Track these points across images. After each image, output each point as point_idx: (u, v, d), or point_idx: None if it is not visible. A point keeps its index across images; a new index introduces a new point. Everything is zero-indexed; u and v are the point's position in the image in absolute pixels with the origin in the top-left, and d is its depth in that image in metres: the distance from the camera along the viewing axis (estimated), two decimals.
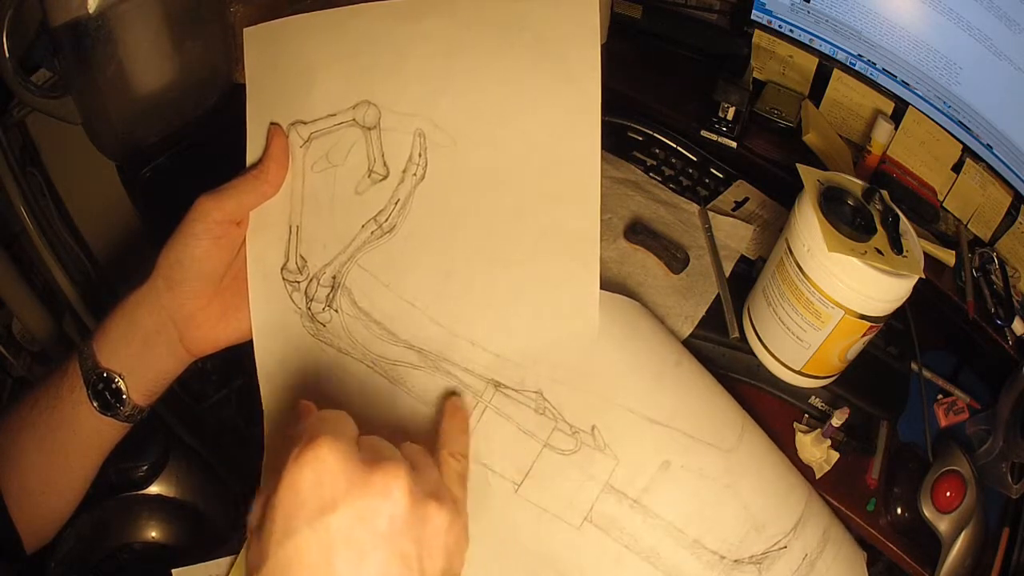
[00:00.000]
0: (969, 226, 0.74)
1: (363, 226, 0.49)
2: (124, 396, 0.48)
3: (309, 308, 0.49)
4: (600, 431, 0.47)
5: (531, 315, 0.48)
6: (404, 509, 0.33)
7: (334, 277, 0.49)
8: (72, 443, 0.49)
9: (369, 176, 0.49)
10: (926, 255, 0.57)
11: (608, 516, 0.46)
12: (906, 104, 0.75)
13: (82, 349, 0.48)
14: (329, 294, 0.49)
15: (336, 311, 0.49)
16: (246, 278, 0.50)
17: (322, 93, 0.49)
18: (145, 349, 0.48)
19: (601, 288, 0.48)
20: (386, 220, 0.48)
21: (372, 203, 0.49)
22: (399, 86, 0.48)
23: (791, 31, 0.82)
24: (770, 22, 0.83)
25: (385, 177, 0.49)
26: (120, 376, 0.47)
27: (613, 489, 0.46)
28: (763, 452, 0.52)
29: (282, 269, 0.50)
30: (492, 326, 0.48)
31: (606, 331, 0.48)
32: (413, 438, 0.41)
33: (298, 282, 0.49)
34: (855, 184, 0.58)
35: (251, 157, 0.50)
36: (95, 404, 0.47)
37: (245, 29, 0.50)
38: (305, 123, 0.49)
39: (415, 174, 0.48)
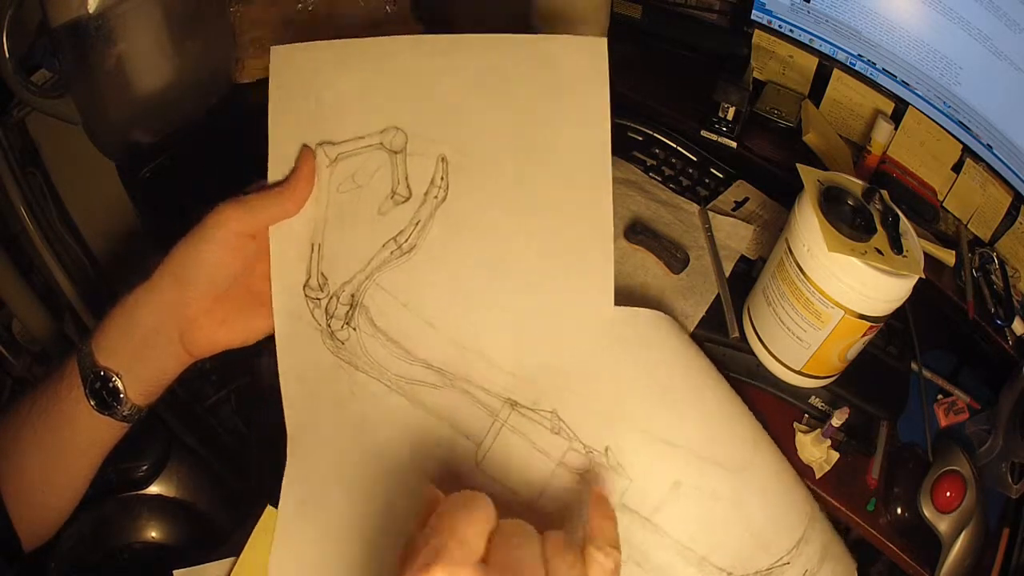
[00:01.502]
0: (969, 226, 0.74)
1: (383, 245, 0.50)
2: (122, 395, 0.48)
3: (329, 325, 0.50)
4: (613, 451, 0.47)
5: (547, 335, 0.49)
6: None
7: (352, 295, 0.50)
8: (71, 442, 0.48)
9: (392, 198, 0.50)
10: (926, 255, 0.57)
11: (620, 534, 0.47)
12: (906, 104, 0.75)
13: (81, 348, 0.48)
14: (348, 312, 0.50)
15: (354, 329, 0.50)
16: (252, 288, 0.51)
17: (352, 116, 0.51)
18: (144, 347, 0.48)
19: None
20: (406, 241, 0.50)
21: (393, 224, 0.50)
22: (426, 114, 0.50)
23: (791, 31, 0.82)
24: (770, 22, 0.83)
25: (407, 199, 0.50)
26: (117, 375, 0.47)
27: (625, 508, 0.47)
28: (773, 470, 0.52)
29: (304, 286, 0.50)
30: (509, 346, 0.49)
31: (623, 349, 0.49)
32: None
33: (319, 299, 0.50)
34: (855, 184, 0.58)
35: (273, 173, 0.51)
36: (92, 403, 0.47)
37: (272, 47, 0.52)
38: (333, 144, 0.51)
39: (436, 196, 0.50)
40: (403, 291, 0.49)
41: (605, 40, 0.49)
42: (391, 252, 0.50)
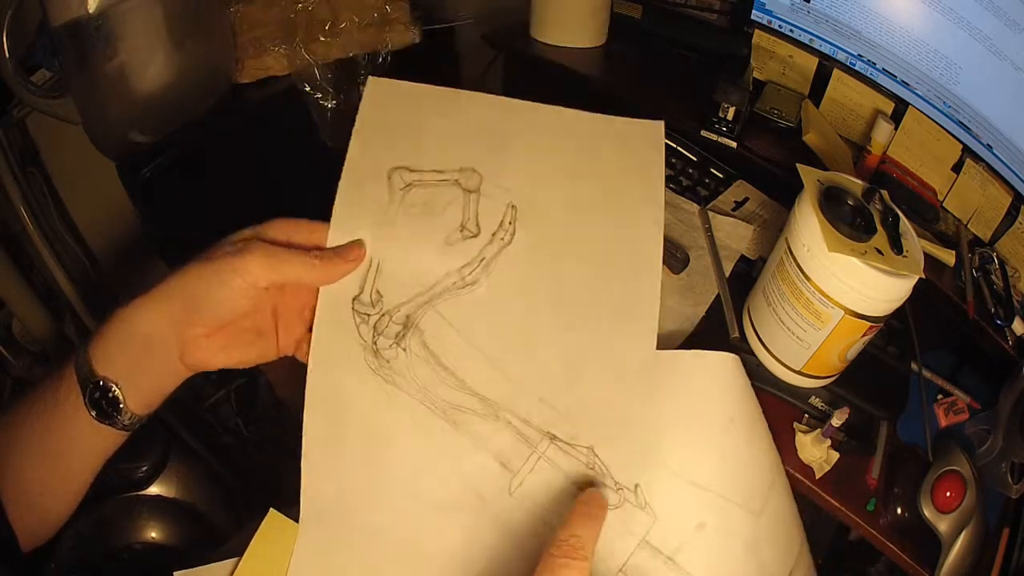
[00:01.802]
0: (969, 226, 0.74)
1: (447, 274, 0.52)
2: (121, 405, 0.47)
3: (375, 343, 0.51)
4: (643, 490, 0.49)
5: (593, 376, 0.51)
6: None
7: (408, 316, 0.51)
8: (70, 448, 0.48)
9: (461, 231, 0.53)
10: (926, 255, 0.57)
11: (641, 569, 0.48)
12: (906, 104, 0.75)
13: (78, 355, 0.47)
14: (400, 332, 0.51)
15: (404, 350, 0.51)
16: (257, 323, 0.51)
17: (433, 153, 0.54)
18: (143, 356, 0.47)
19: None
20: (470, 274, 0.52)
21: (459, 256, 0.52)
22: (503, 164, 0.55)
23: (791, 31, 0.82)
24: (770, 22, 0.83)
25: (475, 235, 0.53)
26: (116, 384, 0.47)
27: (649, 545, 0.48)
28: (784, 510, 0.53)
29: (354, 300, 0.51)
30: (556, 383, 0.50)
31: (663, 392, 0.50)
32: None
33: (368, 315, 0.51)
34: (855, 184, 0.58)
35: (342, 188, 0.52)
36: (92, 412, 0.47)
37: (371, 77, 0.56)
38: (411, 171, 0.54)
39: (503, 239, 0.53)
40: (460, 321, 0.51)
41: (662, 124, 0.56)
42: (454, 282, 0.52)
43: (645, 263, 0.53)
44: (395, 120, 0.55)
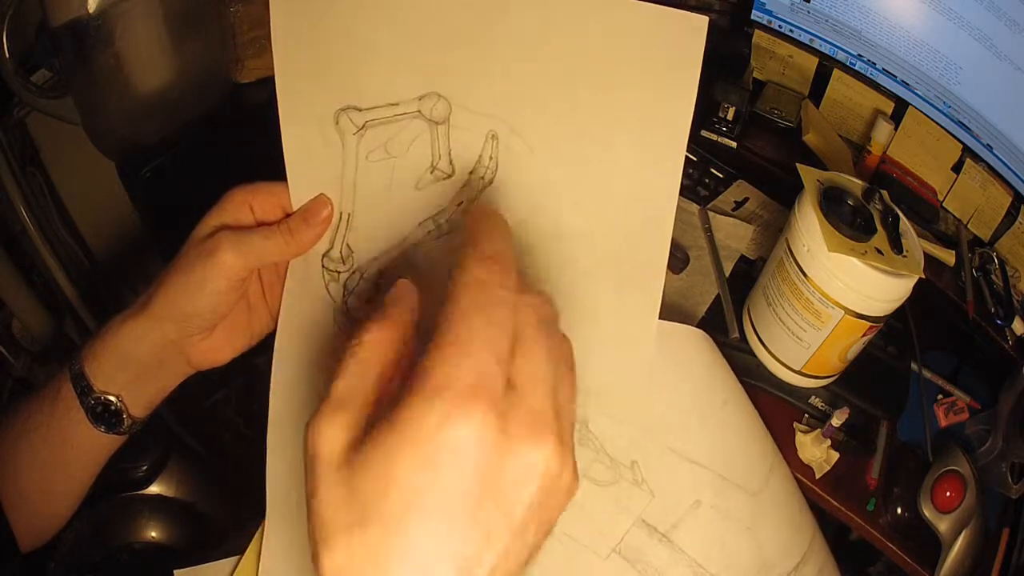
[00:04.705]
0: (969, 226, 0.74)
1: (420, 224, 0.45)
2: (124, 416, 0.47)
3: (346, 303, 0.46)
4: (640, 466, 0.46)
5: (586, 343, 0.44)
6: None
7: (381, 273, 0.46)
8: (69, 456, 0.48)
9: (432, 173, 0.45)
10: (926, 255, 0.57)
11: (636, 549, 0.46)
12: (906, 104, 0.75)
13: (72, 370, 0.46)
14: (373, 291, 0.46)
15: None
16: (248, 300, 0.48)
17: (383, 78, 0.43)
18: (144, 373, 0.47)
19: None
20: (446, 221, 0.45)
21: (432, 201, 0.45)
22: (477, 82, 0.43)
23: (791, 31, 0.82)
24: (770, 22, 0.83)
25: (449, 176, 0.45)
26: (118, 397, 0.46)
27: (645, 523, 0.46)
28: (785, 495, 0.53)
29: (324, 256, 0.46)
30: None
31: (660, 365, 0.47)
32: None
33: (338, 272, 0.46)
34: (855, 184, 0.58)
35: (288, 151, 0.45)
36: (94, 425, 0.46)
37: None
38: (360, 110, 0.44)
39: (483, 177, 0.44)
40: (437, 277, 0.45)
41: (706, 21, 0.40)
42: (428, 232, 0.45)
43: (656, 218, 0.44)
44: (327, 44, 0.43)
